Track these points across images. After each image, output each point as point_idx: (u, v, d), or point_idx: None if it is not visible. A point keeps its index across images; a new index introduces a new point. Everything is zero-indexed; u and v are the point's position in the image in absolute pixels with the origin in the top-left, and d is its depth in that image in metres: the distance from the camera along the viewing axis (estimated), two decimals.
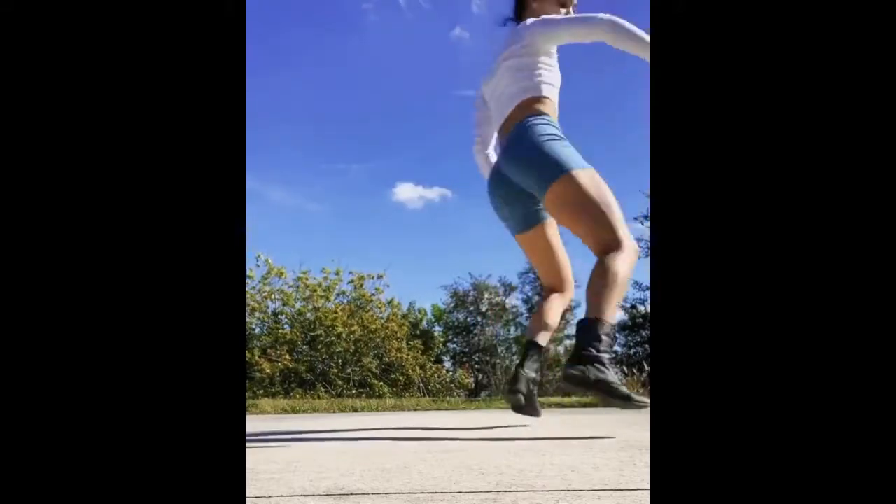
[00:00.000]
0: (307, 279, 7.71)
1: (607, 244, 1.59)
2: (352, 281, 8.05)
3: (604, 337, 1.51)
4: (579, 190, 1.61)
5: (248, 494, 0.73)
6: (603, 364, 1.47)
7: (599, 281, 1.54)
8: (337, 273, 7.94)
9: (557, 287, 2.00)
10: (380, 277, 8.14)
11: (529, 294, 14.43)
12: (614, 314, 1.55)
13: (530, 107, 1.76)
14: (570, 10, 1.99)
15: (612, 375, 1.47)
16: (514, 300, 14.36)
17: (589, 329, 1.51)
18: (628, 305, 13.86)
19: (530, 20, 1.80)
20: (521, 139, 1.72)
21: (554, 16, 1.81)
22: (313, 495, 0.72)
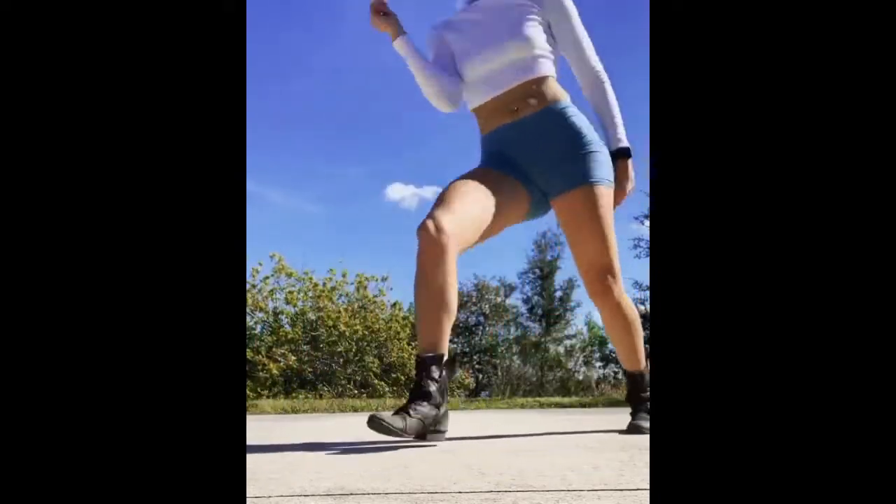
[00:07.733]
0: (313, 280, 7.70)
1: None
2: (355, 282, 8.03)
3: None
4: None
5: (248, 494, 0.73)
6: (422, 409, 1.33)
7: None
8: (344, 275, 7.92)
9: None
10: (384, 280, 8.10)
11: (529, 294, 14.43)
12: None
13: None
14: None
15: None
16: (513, 300, 14.37)
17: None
18: None
19: None
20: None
21: None
22: (313, 495, 0.72)
